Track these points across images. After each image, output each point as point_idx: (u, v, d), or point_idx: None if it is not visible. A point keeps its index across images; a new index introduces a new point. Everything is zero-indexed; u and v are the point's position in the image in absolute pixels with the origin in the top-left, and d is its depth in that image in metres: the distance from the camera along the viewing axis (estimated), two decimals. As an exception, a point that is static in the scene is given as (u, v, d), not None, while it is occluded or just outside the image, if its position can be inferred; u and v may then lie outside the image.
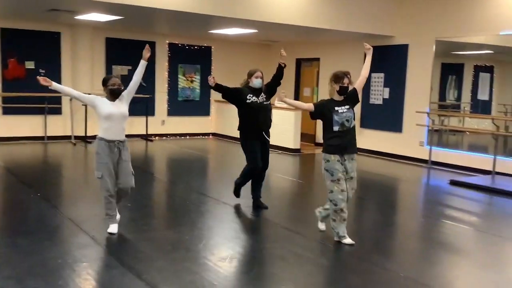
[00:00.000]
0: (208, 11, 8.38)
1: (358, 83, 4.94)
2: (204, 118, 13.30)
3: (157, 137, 12.48)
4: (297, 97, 13.09)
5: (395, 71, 10.52)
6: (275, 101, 4.70)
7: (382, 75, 10.83)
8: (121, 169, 4.77)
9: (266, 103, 5.91)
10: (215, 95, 13.19)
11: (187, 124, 13.00)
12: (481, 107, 10.76)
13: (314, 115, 4.88)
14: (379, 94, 10.90)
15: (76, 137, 11.27)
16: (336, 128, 4.71)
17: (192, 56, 12.97)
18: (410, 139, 10.24)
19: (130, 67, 11.98)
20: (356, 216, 6.46)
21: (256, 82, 5.83)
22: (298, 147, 11.06)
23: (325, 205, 5.00)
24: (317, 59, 12.56)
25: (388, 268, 4.36)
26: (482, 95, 10.84)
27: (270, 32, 11.02)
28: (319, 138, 12.27)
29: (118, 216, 4.95)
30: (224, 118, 13.04)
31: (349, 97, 4.85)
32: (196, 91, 13.14)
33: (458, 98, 11.07)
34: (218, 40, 12.88)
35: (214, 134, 13.34)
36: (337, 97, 4.82)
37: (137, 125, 12.06)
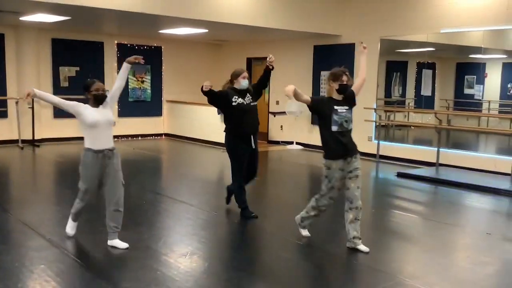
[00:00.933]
0: (157, 11, 8.35)
1: (356, 86, 4.78)
2: (156, 119, 13.22)
3: (108, 139, 12.29)
4: (248, 96, 13.22)
5: (343, 69, 10.83)
6: (286, 92, 4.49)
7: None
8: (111, 179, 4.44)
9: (252, 104, 5.64)
10: (166, 95, 13.17)
11: (138, 125, 12.88)
12: (425, 103, 11.25)
13: (311, 109, 4.63)
14: (328, 91, 11.20)
15: (24, 141, 10.96)
16: (334, 128, 4.51)
17: (142, 56, 12.84)
18: (359, 135, 10.51)
19: (77, 68, 11.79)
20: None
21: (243, 83, 5.57)
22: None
23: (303, 211, 4.90)
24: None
25: (341, 256, 4.56)
26: (426, 91, 11.33)
27: (220, 32, 11.10)
28: (272, 136, 12.48)
29: (120, 244, 4.53)
30: (177, 118, 13.02)
31: (347, 99, 4.64)
32: (147, 92, 13.05)
33: (403, 94, 11.52)
34: (168, 40, 12.84)
35: (166, 135, 13.29)
36: (336, 96, 4.61)
37: (87, 127, 11.85)
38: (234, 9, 9.15)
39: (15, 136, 10.95)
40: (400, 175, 8.47)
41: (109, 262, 4.21)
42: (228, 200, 6.08)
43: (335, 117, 4.50)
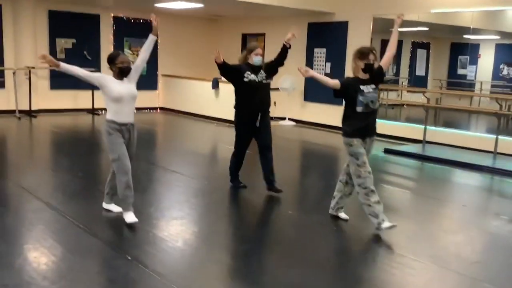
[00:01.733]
0: None
1: (384, 60, 4.59)
2: (151, 92, 13.36)
3: (103, 111, 12.44)
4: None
5: (336, 46, 10.99)
6: (303, 72, 4.50)
7: (324, 50, 11.28)
8: (129, 151, 4.40)
9: (265, 81, 5.50)
10: (162, 69, 13.30)
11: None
12: (418, 82, 11.45)
13: (338, 93, 4.47)
14: (321, 68, 11.36)
15: (21, 111, 11.12)
16: (359, 109, 4.36)
17: (138, 30, 12.91)
18: (350, 112, 10.79)
19: (74, 40, 11.89)
20: (300, 181, 6.93)
21: (256, 60, 5.41)
22: (244, 120, 11.40)
23: (335, 193, 4.83)
24: (263, 34, 12.87)
25: (326, 224, 4.82)
26: (419, 71, 11.53)
27: (216, 7, 11.20)
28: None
29: (115, 208, 4.62)
30: (172, 93, 13.18)
31: (375, 76, 4.46)
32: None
33: (397, 74, 11.70)
34: (164, 14, 12.85)
35: (162, 108, 13.45)
36: (362, 75, 4.43)
37: (83, 99, 12.02)
38: (229, -16, 9.26)
39: (12, 107, 11.10)
40: (387, 151, 8.71)
41: (103, 223, 4.46)
42: (232, 179, 5.89)
43: (360, 97, 4.33)
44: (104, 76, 4.32)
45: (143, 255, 3.79)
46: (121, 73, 4.27)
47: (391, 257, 4.07)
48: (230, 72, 5.40)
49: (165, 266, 3.66)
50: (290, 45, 5.54)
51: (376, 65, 4.46)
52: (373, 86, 4.43)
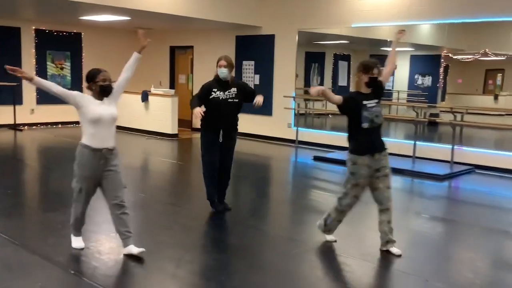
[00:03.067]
0: None
1: (385, 74, 4.43)
2: (77, 106, 13.00)
3: (26, 127, 12.01)
4: (172, 84, 13.40)
5: (264, 59, 11.32)
6: (312, 93, 4.21)
7: (252, 62, 11.58)
8: (110, 181, 3.94)
9: (231, 100, 5.21)
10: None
11: (59, 113, 12.61)
12: (341, 92, 11.99)
13: (342, 109, 4.28)
14: (251, 80, 11.64)
15: None
16: (365, 125, 4.18)
17: (61, 43, 12.62)
18: (279, 122, 11.15)
19: (-7, 54, 11.41)
20: (233, 190, 7.08)
21: (219, 72, 5.19)
22: (176, 132, 11.43)
23: (325, 215, 4.62)
24: (191, 47, 12.98)
25: (261, 229, 5.03)
26: (342, 81, 12.09)
27: (143, 20, 11.17)
28: (195, 124, 12.75)
29: (134, 249, 4.01)
30: (99, 106, 12.91)
31: (376, 90, 4.32)
32: (67, 78, 12.84)
33: (321, 84, 12.20)
34: (89, 26, 12.69)
35: (88, 122, 13.12)
36: (364, 90, 4.27)
37: (4, 114, 11.54)
38: (157, -2, 9.30)
39: None
40: (316, 158, 9.09)
41: (40, 239, 4.37)
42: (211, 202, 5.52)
43: (365, 113, 4.17)
44: (83, 95, 3.90)
45: (86, 269, 3.78)
46: (102, 92, 3.89)
47: (326, 257, 4.32)
48: (201, 100, 5.16)
49: (110, 278, 3.68)
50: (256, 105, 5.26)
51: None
52: (375, 100, 4.27)
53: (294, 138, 10.70)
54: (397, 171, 7.98)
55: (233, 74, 5.40)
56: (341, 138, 10.06)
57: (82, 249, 4.11)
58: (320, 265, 4.13)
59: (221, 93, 5.21)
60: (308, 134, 10.73)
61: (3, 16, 11.26)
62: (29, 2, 9.00)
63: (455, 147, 8.27)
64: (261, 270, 3.95)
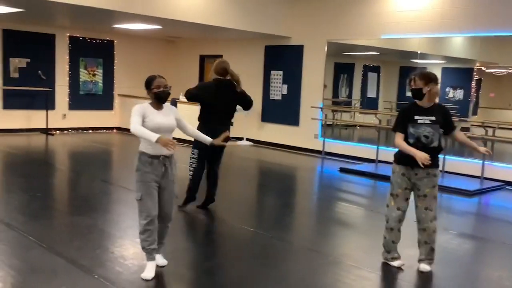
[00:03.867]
0: (110, 7, 8.41)
1: (458, 133, 4.27)
2: (107, 112, 13.26)
3: (58, 131, 12.28)
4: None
5: (293, 69, 11.33)
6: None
7: (281, 72, 11.60)
8: (164, 191, 3.87)
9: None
10: (118, 89, 13.26)
11: (89, 118, 12.91)
12: (370, 104, 11.91)
13: (403, 130, 4.08)
14: (278, 90, 11.66)
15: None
16: (411, 142, 4.02)
17: (94, 50, 12.90)
18: (306, 132, 11.11)
19: (28, 60, 11.73)
20: (258, 199, 7.09)
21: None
22: (202, 140, 11.50)
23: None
24: (220, 56, 13.06)
25: (285, 239, 5.00)
26: (371, 93, 12.00)
27: (174, 29, 11.34)
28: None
29: (160, 260, 3.95)
30: (128, 113, 13.03)
31: (441, 115, 4.07)
32: (99, 85, 13.09)
33: (350, 95, 12.14)
34: (121, 35, 12.94)
35: (118, 128, 13.36)
36: (419, 102, 4.08)
37: (37, 118, 11.83)
38: (188, 7, 9.43)
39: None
40: (343, 170, 9.02)
41: (67, 243, 4.44)
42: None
43: (411, 130, 4.01)
44: (142, 106, 3.80)
45: (109, 273, 3.83)
46: (158, 99, 3.81)
47: (350, 269, 4.27)
48: None
49: (132, 284, 3.71)
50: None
51: (425, 90, 4.01)
52: (432, 118, 4.00)
53: (320, 149, 10.65)
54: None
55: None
56: (368, 150, 10.02)
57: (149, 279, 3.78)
58: (343, 278, 4.07)
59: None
60: (335, 146, 10.66)
61: (39, 23, 11.59)
62: (65, 10, 9.23)
63: (485, 162, 8.09)
64: (283, 281, 3.92)
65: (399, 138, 4.07)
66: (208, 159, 5.76)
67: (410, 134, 4.01)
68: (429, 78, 4.03)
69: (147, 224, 3.75)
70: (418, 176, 4.07)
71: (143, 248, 3.80)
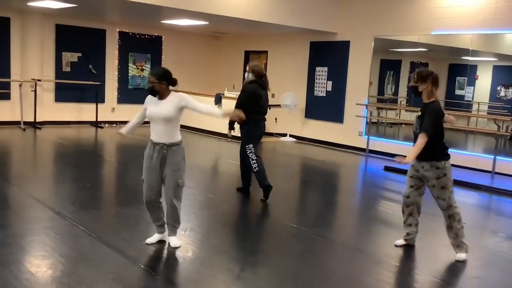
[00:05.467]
0: (160, 2, 8.55)
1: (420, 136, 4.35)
2: (154, 107, 13.47)
3: (107, 124, 12.63)
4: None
5: (338, 65, 11.22)
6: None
7: (325, 69, 11.51)
8: (166, 177, 4.20)
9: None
10: (165, 84, 13.46)
11: (137, 112, 13.15)
12: (416, 102, 11.65)
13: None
14: (323, 86, 11.57)
15: (25, 123, 11.26)
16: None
17: (143, 45, 13.16)
18: (350, 130, 10.99)
19: (80, 54, 12.10)
20: (301, 196, 7.08)
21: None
22: (246, 135, 11.58)
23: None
24: (265, 52, 13.11)
25: (328, 237, 4.98)
26: (418, 91, 11.74)
27: (220, 25, 11.43)
28: (267, 128, 12.83)
29: (173, 241, 4.31)
30: (174, 107, 13.32)
31: (426, 112, 4.37)
32: (146, 80, 13.33)
33: (396, 93, 11.91)
34: (169, 30, 13.15)
35: (163, 122, 13.56)
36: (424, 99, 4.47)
37: (87, 111, 12.20)
38: (234, 2, 9.48)
39: (17, 118, 11.25)
40: (387, 168, 8.88)
41: (115, 233, 4.58)
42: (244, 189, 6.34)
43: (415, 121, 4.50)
44: (146, 102, 4.31)
45: (156, 264, 3.93)
46: (150, 92, 4.21)
47: (393, 270, 4.21)
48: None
49: (177, 275, 3.80)
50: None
51: (421, 88, 4.35)
52: (419, 113, 4.44)
53: (364, 146, 10.52)
54: (474, 187, 7.65)
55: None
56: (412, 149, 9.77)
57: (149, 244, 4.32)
58: (386, 278, 4.02)
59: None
60: (380, 143, 10.50)
61: (90, 19, 11.93)
62: (115, 5, 9.47)
63: (539, 164, 7.78)
64: (326, 279, 3.91)
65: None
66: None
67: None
68: (423, 77, 4.34)
69: (146, 204, 4.26)
70: (425, 168, 4.42)
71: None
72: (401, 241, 4.75)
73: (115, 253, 4.09)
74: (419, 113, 4.43)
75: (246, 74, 6.18)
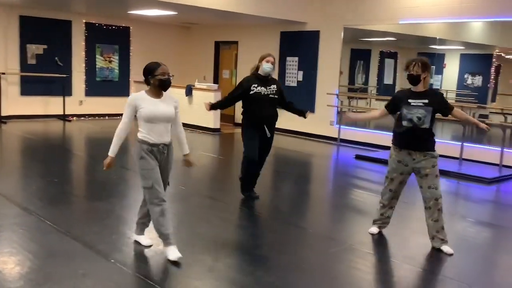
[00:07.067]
0: None
1: (456, 112, 4.43)
2: (123, 99, 13.03)
3: (75, 118, 12.38)
4: (216, 79, 13.50)
5: (308, 55, 11.24)
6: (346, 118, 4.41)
7: (296, 59, 11.51)
8: (162, 178, 3.92)
9: (272, 96, 5.42)
10: (134, 76, 13.29)
11: (106, 105, 12.97)
12: (386, 91, 11.78)
13: (391, 112, 4.48)
14: (294, 77, 11.59)
15: (-10, 117, 10.97)
16: (404, 123, 4.25)
17: (110, 36, 12.92)
18: (322, 119, 11.05)
19: (45, 46, 11.79)
20: (274, 186, 7.08)
21: (265, 67, 5.36)
22: (218, 127, 11.53)
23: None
24: (236, 42, 13.03)
25: (300, 226, 5.00)
26: (387, 79, 11.86)
27: (189, 15, 11.30)
28: (238, 118, 12.80)
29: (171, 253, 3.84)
30: (144, 99, 13.15)
31: (435, 99, 4.30)
32: (115, 71, 13.14)
33: (366, 82, 12.01)
34: (137, 21, 12.93)
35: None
36: (414, 88, 4.30)
37: (54, 105, 11.94)
38: (204, -7, 9.38)
39: (-19, 112, 10.94)
40: (358, 157, 8.96)
41: (84, 227, 4.49)
42: (244, 189, 5.78)
43: (405, 111, 4.23)
44: (135, 98, 3.80)
45: (127, 259, 3.86)
46: (161, 86, 3.79)
47: (365, 257, 4.25)
48: (234, 100, 5.67)
49: (149, 268, 3.75)
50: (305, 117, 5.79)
51: (423, 76, 4.24)
52: (425, 101, 4.22)
53: (336, 136, 10.59)
54: (442, 173, 7.71)
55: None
56: (384, 137, 9.92)
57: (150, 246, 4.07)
58: (358, 265, 4.06)
59: (263, 88, 5.38)
60: (351, 133, 10.58)
61: (55, 9, 11.64)
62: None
63: (504, 150, 7.97)
64: (298, 268, 3.92)
65: (379, 110, 4.62)
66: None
67: (403, 116, 4.24)
68: (427, 66, 4.28)
69: (163, 209, 3.81)
70: (416, 160, 4.32)
71: (161, 234, 3.85)
72: (375, 229, 4.77)
73: (85, 248, 4.02)
74: (418, 103, 4.20)
75: (270, 65, 5.44)
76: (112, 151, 3.91)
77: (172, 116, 3.87)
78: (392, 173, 4.47)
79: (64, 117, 11.98)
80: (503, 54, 9.46)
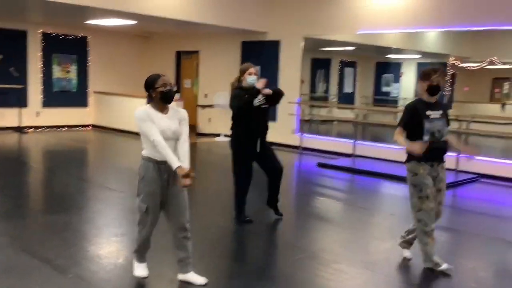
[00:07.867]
0: (84, 2, 8.23)
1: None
2: (82, 110, 13.04)
3: (31, 129, 12.04)
4: (178, 88, 13.40)
5: (270, 64, 11.29)
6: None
7: (257, 68, 11.52)
8: (176, 199, 3.56)
9: (264, 106, 5.11)
10: (93, 86, 13.04)
11: (64, 116, 12.67)
12: (346, 99, 11.98)
13: (406, 127, 4.02)
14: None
15: None
16: (426, 138, 3.94)
17: (68, 46, 12.65)
18: (283, 128, 11.10)
19: (1, 56, 11.46)
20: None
21: (249, 80, 5.09)
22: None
23: (409, 229, 4.35)
24: (197, 52, 12.99)
25: (262, 234, 4.99)
26: (347, 88, 12.07)
27: (149, 24, 11.20)
28: (200, 128, 12.74)
29: (195, 278, 3.65)
30: (104, 110, 12.95)
31: (445, 109, 4.17)
32: (73, 82, 12.87)
33: (327, 91, 12.18)
34: (95, 30, 12.73)
35: (93, 126, 13.16)
36: (427, 98, 4.03)
37: (10, 116, 11.59)
38: (163, 2, 9.32)
39: None
40: (321, 165, 9.05)
41: (42, 243, 4.35)
42: (239, 218, 5.26)
43: (427, 124, 3.94)
44: (147, 114, 3.47)
45: (85, 273, 3.76)
46: (164, 98, 3.46)
47: (328, 264, 4.28)
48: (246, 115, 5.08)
49: (109, 283, 3.66)
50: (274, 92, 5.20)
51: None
52: (440, 112, 4.04)
53: (298, 144, 10.67)
54: (398, 178, 7.92)
55: None
56: (345, 145, 10.06)
57: (146, 277, 3.69)
58: (321, 272, 4.08)
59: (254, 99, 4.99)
60: (313, 141, 10.68)
61: (10, 19, 11.32)
62: (36, 5, 9.02)
63: (460, 155, 8.20)
64: (262, 276, 3.91)
65: (398, 132, 4.03)
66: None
67: (426, 130, 3.94)
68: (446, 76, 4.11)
69: (147, 236, 3.64)
70: (439, 171, 4.07)
71: (135, 251, 3.70)
72: (408, 253, 4.38)
73: (42, 263, 3.89)
74: (435, 115, 4.00)
75: (253, 77, 5.18)
76: (176, 160, 3.37)
77: (180, 132, 3.51)
78: (426, 189, 3.99)
79: (20, 129, 11.64)
80: (457, 63, 9.77)
